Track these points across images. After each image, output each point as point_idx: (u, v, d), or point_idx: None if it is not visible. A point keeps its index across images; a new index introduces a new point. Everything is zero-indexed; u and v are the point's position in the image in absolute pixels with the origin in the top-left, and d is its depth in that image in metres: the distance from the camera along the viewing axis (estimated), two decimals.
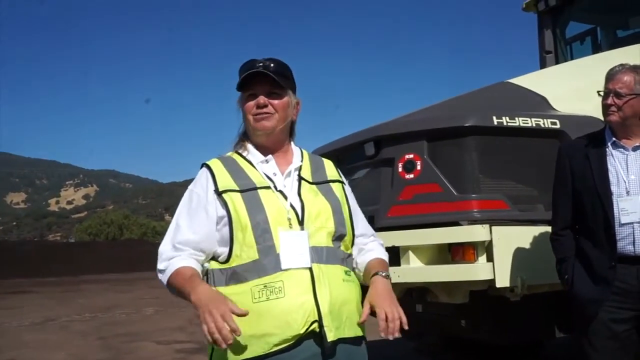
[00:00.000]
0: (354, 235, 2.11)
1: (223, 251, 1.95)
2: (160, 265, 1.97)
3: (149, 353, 7.86)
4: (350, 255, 2.08)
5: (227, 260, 1.93)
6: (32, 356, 7.93)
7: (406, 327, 1.93)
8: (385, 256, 2.19)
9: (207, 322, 1.74)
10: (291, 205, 1.95)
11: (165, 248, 1.99)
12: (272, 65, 2.01)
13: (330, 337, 1.85)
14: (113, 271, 33.21)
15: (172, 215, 2.11)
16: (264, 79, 1.99)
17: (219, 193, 1.95)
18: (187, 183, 2.11)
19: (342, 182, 2.16)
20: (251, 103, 2.01)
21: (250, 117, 2.02)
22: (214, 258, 1.98)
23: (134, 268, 34.88)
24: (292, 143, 2.15)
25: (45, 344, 8.85)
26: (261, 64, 2.00)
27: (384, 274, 2.04)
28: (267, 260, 1.87)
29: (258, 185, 1.97)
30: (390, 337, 1.90)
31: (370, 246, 2.19)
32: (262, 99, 2.00)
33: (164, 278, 1.95)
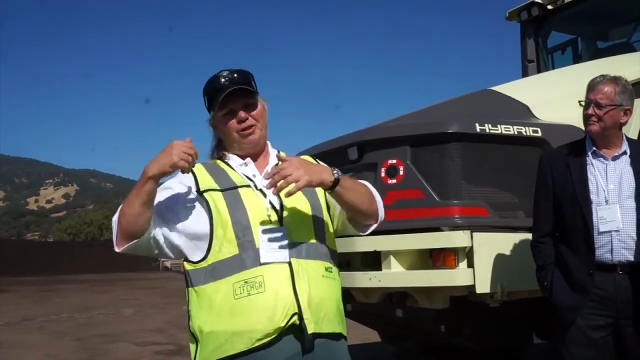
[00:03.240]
0: (335, 223, 2.11)
1: (197, 249, 1.95)
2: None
3: (126, 354, 7.81)
4: (334, 251, 2.08)
5: (203, 258, 1.94)
6: (8, 357, 7.83)
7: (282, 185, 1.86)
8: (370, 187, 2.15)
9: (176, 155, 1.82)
10: (270, 203, 1.97)
11: None
12: (237, 76, 2.02)
13: (310, 329, 1.86)
14: (92, 271, 32.95)
15: None
16: (237, 95, 2.00)
17: (200, 192, 1.97)
18: None
19: None
20: (233, 121, 2.02)
21: (236, 135, 2.03)
22: (188, 260, 1.99)
23: (113, 268, 34.61)
24: (268, 145, 2.16)
25: (21, 344, 8.75)
26: (228, 79, 2.01)
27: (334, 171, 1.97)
28: (247, 255, 1.89)
29: (239, 185, 1.99)
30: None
31: None
32: (242, 114, 2.01)
33: (116, 215, 1.94)
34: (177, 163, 1.83)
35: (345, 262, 3.84)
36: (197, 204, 1.97)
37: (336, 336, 1.98)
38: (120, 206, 1.93)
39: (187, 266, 1.98)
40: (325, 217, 2.07)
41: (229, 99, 2.00)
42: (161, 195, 1.96)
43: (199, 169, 2.04)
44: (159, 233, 1.96)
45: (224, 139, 2.09)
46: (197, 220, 1.95)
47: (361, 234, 2.17)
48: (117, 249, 1.99)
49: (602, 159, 2.83)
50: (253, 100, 2.04)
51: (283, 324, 1.84)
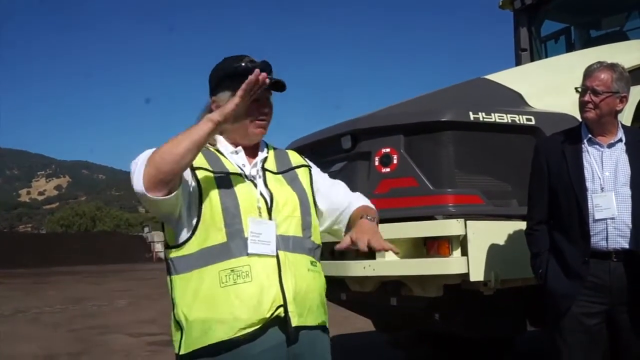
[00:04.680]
0: (321, 222, 2.13)
1: (187, 223, 1.91)
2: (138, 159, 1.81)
3: (120, 345, 7.79)
4: (319, 246, 2.09)
5: (186, 241, 1.90)
6: (1, 349, 7.80)
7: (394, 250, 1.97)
8: (369, 203, 2.21)
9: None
10: (261, 194, 1.96)
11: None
12: (271, 70, 1.97)
13: (295, 322, 1.87)
14: (85, 263, 32.90)
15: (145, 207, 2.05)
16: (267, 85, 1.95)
17: (192, 168, 1.91)
18: None
19: (308, 166, 2.16)
20: (257, 106, 1.98)
21: (248, 122, 1.99)
22: (170, 246, 1.96)
23: (106, 260, 34.59)
24: None
25: (14, 336, 8.72)
26: (267, 68, 1.93)
27: (369, 217, 2.05)
28: (235, 244, 1.87)
29: (231, 171, 1.97)
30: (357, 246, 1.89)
31: (352, 201, 2.18)
32: (268, 107, 2.02)
33: (145, 156, 1.79)
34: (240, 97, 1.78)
35: (340, 252, 3.84)
36: (190, 178, 1.91)
37: (319, 327, 2.00)
38: (155, 149, 1.79)
39: (170, 254, 1.96)
40: (313, 212, 2.07)
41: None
42: None
43: None
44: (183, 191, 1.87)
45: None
46: (192, 193, 1.90)
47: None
48: (149, 194, 1.75)
49: (597, 146, 2.82)
50: (271, 96, 2.04)
51: (268, 315, 1.84)
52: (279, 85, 2.00)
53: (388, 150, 3.63)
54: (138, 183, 1.75)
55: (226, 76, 1.99)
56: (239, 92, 1.78)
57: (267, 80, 1.82)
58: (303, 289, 1.92)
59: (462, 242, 3.36)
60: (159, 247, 42.69)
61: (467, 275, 3.33)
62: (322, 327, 2.02)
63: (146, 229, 53.99)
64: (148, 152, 1.81)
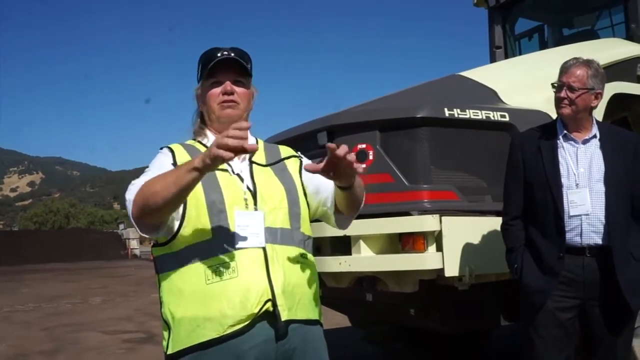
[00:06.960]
0: (309, 208, 2.09)
1: (169, 228, 1.89)
2: (128, 195, 1.83)
3: (95, 343, 7.72)
4: (309, 237, 2.06)
5: (172, 239, 1.89)
6: None
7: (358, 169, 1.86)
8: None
9: (224, 145, 1.63)
10: (247, 187, 1.94)
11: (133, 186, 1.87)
12: (234, 52, 1.99)
13: (284, 316, 1.83)
14: (59, 260, 32.47)
15: (121, 203, 2.03)
16: (229, 68, 1.97)
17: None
18: (137, 171, 2.05)
19: (298, 157, 2.15)
20: (216, 90, 1.98)
21: (215, 106, 1.99)
22: (156, 244, 1.94)
23: (81, 257, 34.17)
24: (248, 133, 2.13)
25: None
26: (226, 52, 1.98)
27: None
28: (221, 240, 1.85)
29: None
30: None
31: None
32: (229, 86, 1.97)
33: (133, 193, 1.81)
34: (218, 155, 1.63)
35: (316, 248, 3.84)
36: None
37: (311, 322, 1.95)
38: (147, 183, 1.78)
39: (156, 252, 1.94)
40: (301, 202, 2.04)
41: (220, 69, 1.97)
42: (155, 172, 1.86)
43: (177, 148, 2.00)
44: None
45: (205, 112, 2.04)
46: (176, 213, 1.88)
47: (341, 229, 2.16)
48: (140, 229, 1.83)
49: (572, 142, 2.85)
50: (243, 79, 2.01)
51: (256, 311, 1.80)
52: (238, 64, 1.98)
53: (364, 146, 3.64)
54: (131, 213, 1.81)
55: (200, 63, 2.02)
56: (217, 151, 1.64)
57: (248, 149, 1.69)
58: (292, 281, 1.89)
59: (437, 238, 3.39)
60: (134, 244, 42.31)
61: (442, 270, 3.35)
62: (315, 322, 1.97)
63: (121, 226, 53.42)
64: (140, 183, 1.82)
